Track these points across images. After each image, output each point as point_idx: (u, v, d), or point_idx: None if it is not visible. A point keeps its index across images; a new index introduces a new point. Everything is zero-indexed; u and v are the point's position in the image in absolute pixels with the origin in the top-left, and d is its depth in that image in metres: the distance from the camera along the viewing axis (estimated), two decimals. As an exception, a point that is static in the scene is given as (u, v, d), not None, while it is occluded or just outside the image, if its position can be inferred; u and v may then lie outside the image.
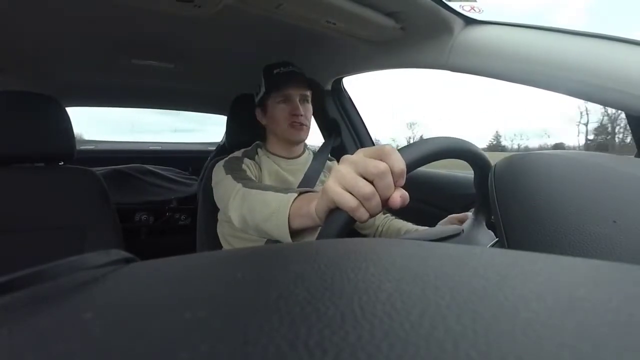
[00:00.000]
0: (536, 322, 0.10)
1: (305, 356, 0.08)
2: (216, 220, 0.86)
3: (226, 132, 1.06)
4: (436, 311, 0.10)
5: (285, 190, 0.56)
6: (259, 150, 0.85)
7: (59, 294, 0.13)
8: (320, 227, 0.38)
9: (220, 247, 0.84)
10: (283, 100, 0.81)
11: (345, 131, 1.22)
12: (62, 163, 0.88)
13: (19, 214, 0.77)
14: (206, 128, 2.82)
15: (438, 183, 1.03)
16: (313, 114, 0.87)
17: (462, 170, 1.00)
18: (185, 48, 0.98)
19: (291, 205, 0.49)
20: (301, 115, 0.80)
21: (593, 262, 0.15)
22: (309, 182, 0.80)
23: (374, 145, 1.25)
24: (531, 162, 0.32)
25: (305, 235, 0.51)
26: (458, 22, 0.67)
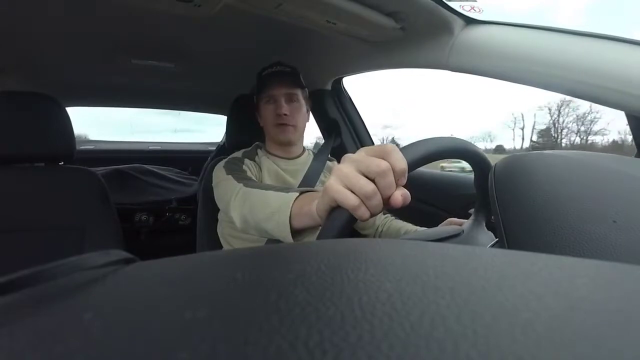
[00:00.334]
0: (536, 322, 0.10)
1: (305, 356, 0.08)
2: (216, 221, 0.86)
3: (226, 133, 1.06)
4: (436, 311, 0.10)
5: (287, 189, 0.56)
6: (259, 150, 0.85)
7: (59, 294, 0.13)
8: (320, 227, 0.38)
9: (220, 247, 0.84)
10: (268, 100, 0.81)
11: (345, 131, 1.22)
12: (62, 163, 0.88)
13: (19, 214, 0.77)
14: (206, 128, 2.82)
15: (438, 183, 1.03)
16: (313, 114, 0.87)
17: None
18: (185, 48, 0.98)
19: (292, 205, 0.49)
20: (285, 114, 0.79)
21: (593, 262, 0.15)
22: (309, 183, 0.80)
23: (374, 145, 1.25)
24: (531, 162, 0.32)
25: (307, 235, 0.51)
26: (458, 22, 0.67)
